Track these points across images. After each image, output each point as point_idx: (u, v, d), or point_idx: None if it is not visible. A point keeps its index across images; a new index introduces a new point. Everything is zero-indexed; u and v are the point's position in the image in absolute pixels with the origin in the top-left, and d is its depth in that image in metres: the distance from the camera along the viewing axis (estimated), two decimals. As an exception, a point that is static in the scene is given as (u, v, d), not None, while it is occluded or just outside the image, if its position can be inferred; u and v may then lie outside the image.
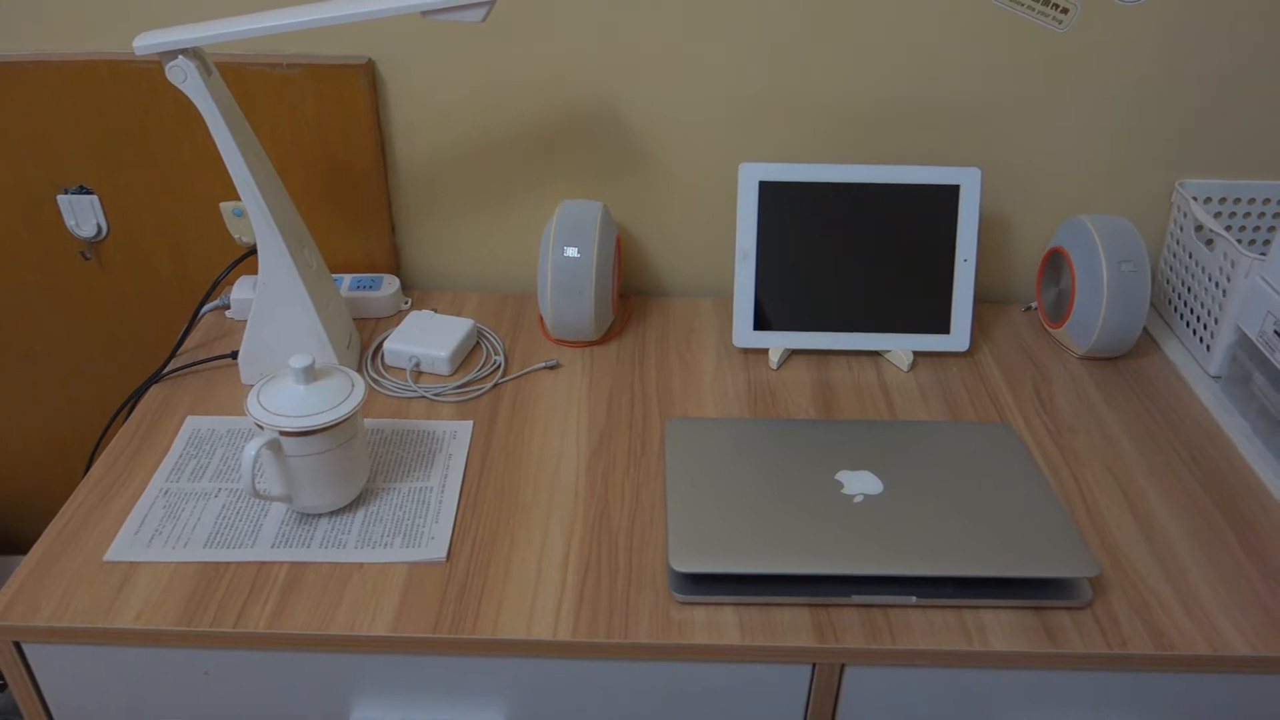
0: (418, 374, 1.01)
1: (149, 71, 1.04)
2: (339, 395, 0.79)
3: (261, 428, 0.77)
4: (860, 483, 0.83)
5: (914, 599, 0.75)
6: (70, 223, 1.13)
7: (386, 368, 1.02)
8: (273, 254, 0.91)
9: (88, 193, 1.11)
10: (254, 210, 0.89)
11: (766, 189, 1.02)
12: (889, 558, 0.76)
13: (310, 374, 0.78)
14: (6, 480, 1.33)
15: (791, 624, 0.74)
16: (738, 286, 1.03)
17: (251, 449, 0.75)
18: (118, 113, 1.06)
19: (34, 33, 1.04)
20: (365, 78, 1.04)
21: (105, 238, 1.14)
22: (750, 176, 1.02)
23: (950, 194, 1.02)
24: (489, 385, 0.99)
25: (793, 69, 1.05)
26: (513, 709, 0.78)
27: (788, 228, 1.02)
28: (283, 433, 0.76)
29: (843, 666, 0.75)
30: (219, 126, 0.85)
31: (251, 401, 0.78)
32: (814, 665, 0.75)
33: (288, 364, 0.79)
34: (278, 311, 0.94)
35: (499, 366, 1.02)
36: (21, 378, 1.24)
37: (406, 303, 1.13)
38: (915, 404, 0.98)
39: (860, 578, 0.76)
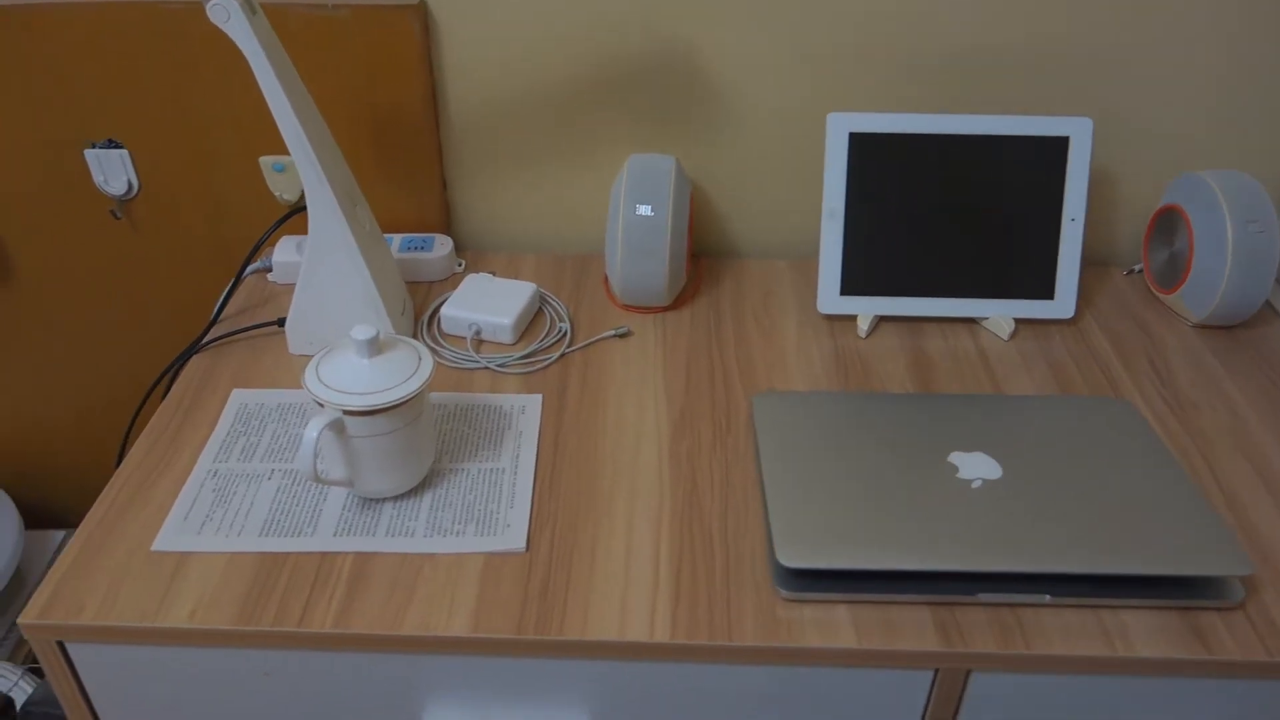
0: (479, 343, 0.93)
1: (182, 14, 0.95)
2: (406, 369, 0.71)
3: (322, 406, 0.69)
4: (976, 466, 0.76)
5: (1048, 598, 0.68)
6: (99, 179, 1.05)
7: (444, 336, 0.94)
8: (323, 213, 0.83)
9: (117, 147, 1.03)
10: (303, 165, 0.81)
11: (857, 141, 0.93)
12: (1018, 552, 0.68)
13: (374, 346, 0.71)
14: (35, 452, 1.26)
15: (912, 625, 0.67)
16: (824, 247, 0.95)
17: (313, 430, 0.68)
18: (149, 60, 0.98)
19: (57, -30, 0.96)
20: (417, 20, 0.95)
21: (136, 195, 1.06)
22: (839, 128, 0.93)
23: (1058, 146, 0.93)
24: (556, 355, 0.91)
25: (884, 10, 0.96)
26: (598, 712, 0.71)
27: (878, 184, 0.94)
28: (346, 412, 0.69)
29: (968, 672, 0.68)
30: (265, 71, 0.77)
31: (310, 377, 0.70)
32: (936, 671, 0.68)
33: (349, 336, 0.71)
34: (328, 275, 0.86)
35: (565, 334, 0.94)
36: (49, 344, 1.17)
37: (460, 265, 1.05)
38: (1019, 376, 0.90)
39: (986, 574, 0.69)
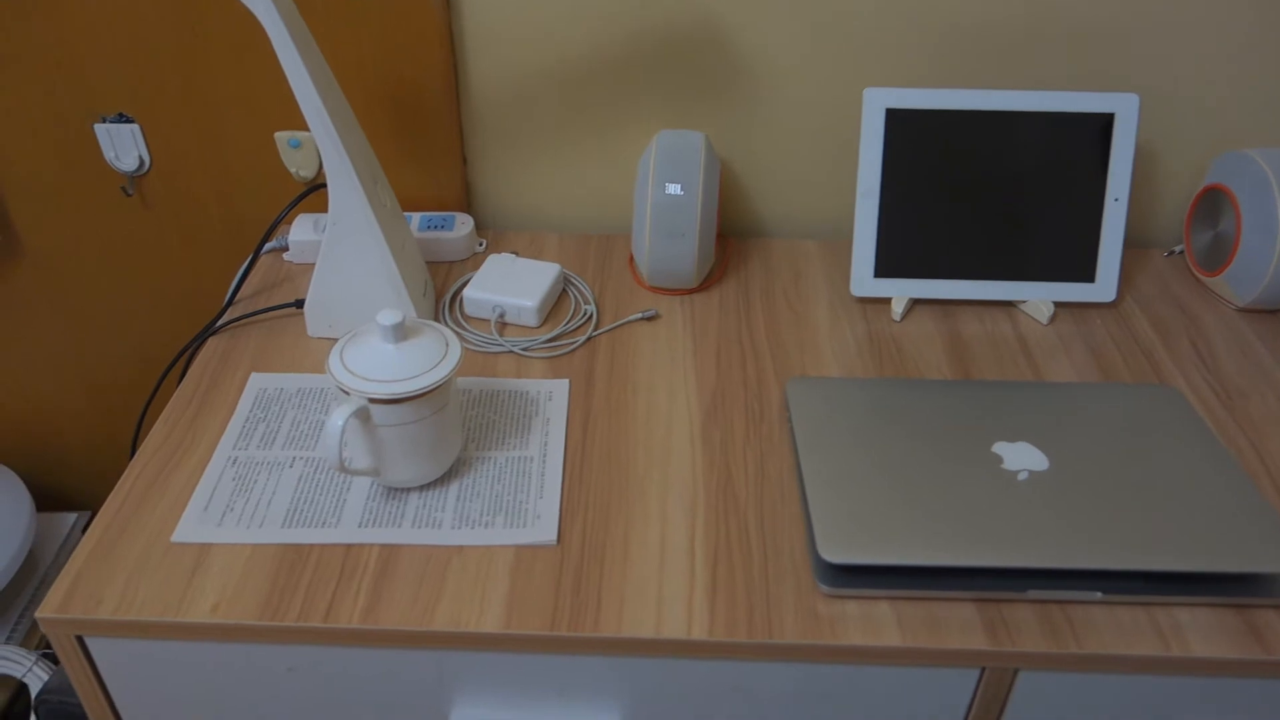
0: (502, 325, 0.90)
1: (194, -18, 0.92)
2: (433, 356, 0.69)
3: (347, 393, 0.67)
4: (1022, 456, 0.73)
5: (1099, 595, 0.65)
6: (109, 155, 1.02)
7: (467, 318, 0.91)
8: (344, 191, 0.80)
9: (128, 121, 1.00)
10: (324, 141, 0.78)
11: (894, 118, 0.90)
12: (1068, 548, 0.66)
13: (401, 332, 0.68)
14: (46, 434, 1.24)
15: (959, 622, 0.65)
16: (858, 228, 0.92)
17: (337, 419, 0.65)
18: (160, 30, 0.95)
19: (64, -62, 0.93)
20: (437, -11, 0.92)
21: (148, 171, 1.03)
22: (876, 103, 0.89)
23: (1102, 123, 0.90)
24: (582, 339, 0.89)
25: (922, -21, 0.93)
26: (631, 709, 0.69)
27: (915, 162, 0.91)
28: (372, 400, 0.67)
29: (1016, 671, 0.66)
30: (283, 41, 0.74)
31: (335, 363, 0.68)
32: (983, 670, 0.66)
33: (374, 321, 0.68)
34: (349, 256, 0.83)
35: (590, 317, 0.92)
36: (58, 324, 1.15)
37: (481, 244, 1.02)
38: (1060, 362, 0.88)
39: (1033, 570, 0.66)
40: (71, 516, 1.23)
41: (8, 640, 1.10)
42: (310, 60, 0.75)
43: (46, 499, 1.30)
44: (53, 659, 1.09)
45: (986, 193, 0.91)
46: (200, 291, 1.12)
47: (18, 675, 1.06)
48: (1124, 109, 0.89)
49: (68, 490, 1.30)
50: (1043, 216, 0.92)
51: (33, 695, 1.06)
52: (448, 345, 0.70)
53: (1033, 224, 0.92)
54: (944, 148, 0.90)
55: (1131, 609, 0.66)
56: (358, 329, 0.71)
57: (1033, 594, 0.65)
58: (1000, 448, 0.74)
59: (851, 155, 1.02)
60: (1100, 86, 0.98)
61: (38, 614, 0.64)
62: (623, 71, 0.98)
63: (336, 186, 0.80)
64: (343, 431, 0.65)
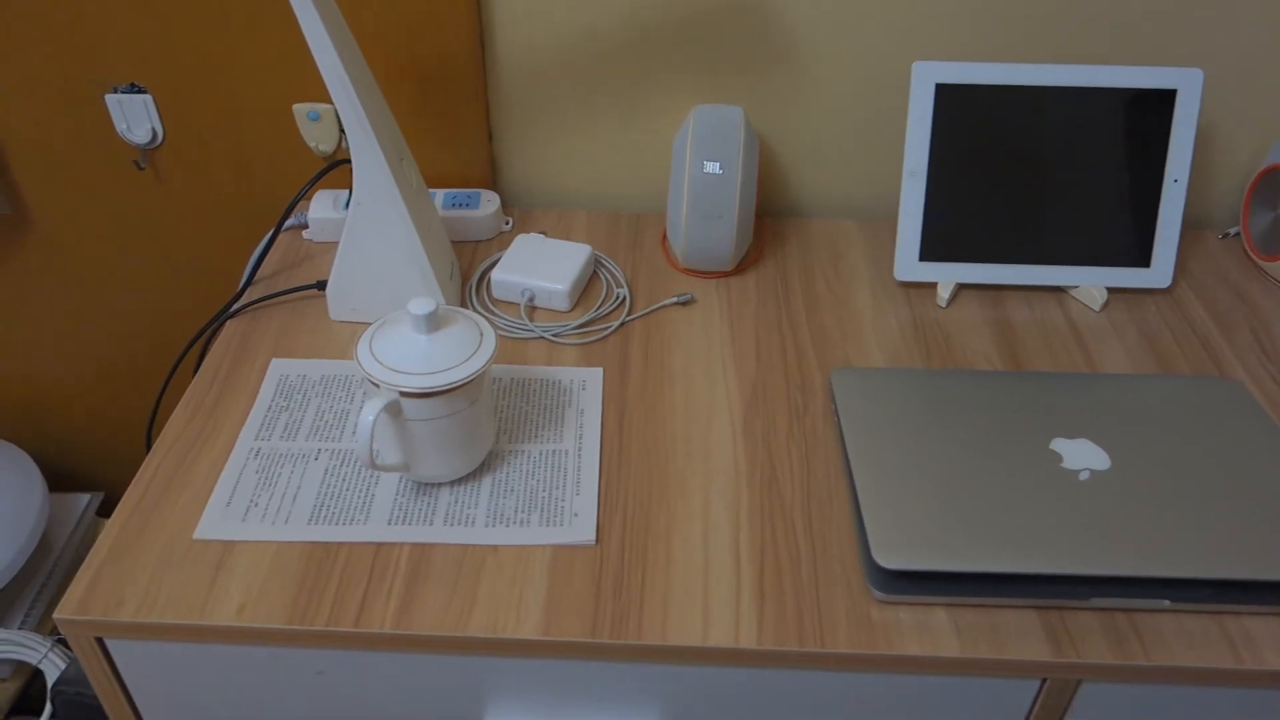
0: (531, 309, 0.87)
1: (209, -54, 0.88)
2: (467, 346, 0.65)
3: (377, 386, 0.64)
4: (1082, 455, 0.70)
5: (1167, 603, 0.62)
6: (121, 126, 0.98)
7: (495, 302, 0.88)
8: (370, 168, 0.77)
9: (140, 92, 0.96)
10: (349, 116, 0.74)
11: (944, 93, 0.85)
12: (1135, 554, 0.63)
13: (433, 321, 0.65)
14: (57, 413, 1.21)
15: (1019, 630, 0.62)
16: (903, 209, 0.88)
17: (369, 414, 0.62)
18: (173, -4, 0.91)
19: (72, -102, 0.88)
20: (464, -46, 0.88)
21: (161, 144, 1.00)
22: (925, 78, 0.85)
23: (1163, 100, 0.85)
24: (615, 324, 0.85)
25: (974, -54, 0.88)
26: (672, 717, 0.67)
27: (965, 140, 0.86)
28: (404, 393, 0.63)
29: (1079, 682, 0.63)
30: (305, 6, 0.69)
31: (364, 354, 0.64)
32: (1044, 680, 0.63)
33: (406, 310, 0.65)
34: (374, 237, 0.80)
35: (623, 301, 0.88)
36: (69, 301, 1.11)
37: (508, 224, 0.98)
38: (1114, 351, 0.84)
39: (1098, 577, 0.63)
40: (84, 498, 1.21)
41: (22, 625, 1.08)
42: (334, 30, 0.71)
43: (58, 479, 1.28)
44: (68, 645, 1.06)
45: (1038, 173, 0.87)
46: (214, 268, 1.08)
47: (33, 661, 1.04)
48: (1187, 84, 0.85)
49: (79, 471, 1.27)
50: (1096, 198, 0.87)
51: (48, 681, 1.04)
52: (482, 335, 0.67)
53: (1086, 206, 0.88)
54: (995, 125, 0.86)
55: (1200, 618, 0.63)
56: (387, 317, 0.67)
57: (1097, 602, 0.62)
58: (1059, 445, 0.70)
59: (894, 132, 0.98)
60: (1155, 60, 0.93)
61: (56, 615, 0.61)
62: (656, 43, 0.93)
63: (361, 164, 0.76)
64: (373, 427, 0.62)
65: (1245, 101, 0.95)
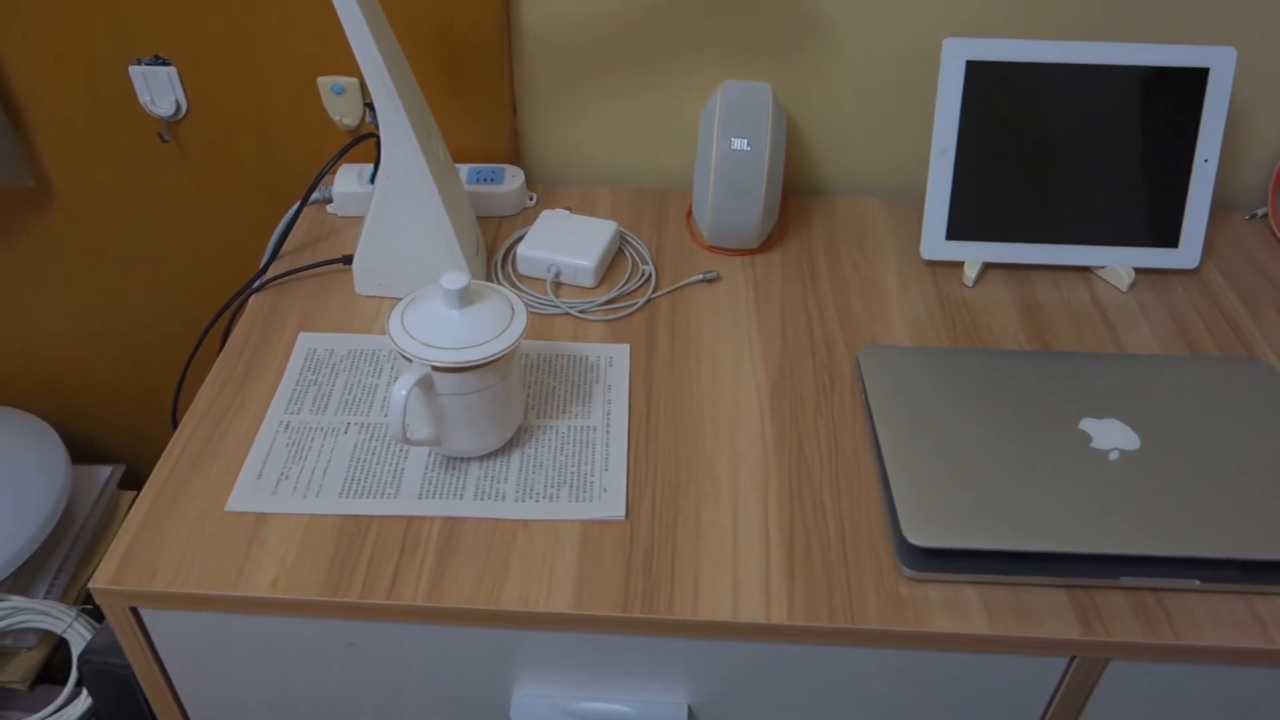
0: (557, 285, 0.87)
1: (234, -84, 0.87)
2: (499, 322, 0.65)
3: (409, 360, 0.64)
4: (1111, 434, 0.70)
5: (1197, 583, 0.62)
6: (145, 98, 0.98)
7: (520, 277, 0.88)
8: (398, 142, 0.76)
9: (164, 64, 0.96)
10: (378, 89, 0.74)
11: (974, 70, 0.85)
12: (1165, 533, 0.63)
13: (465, 296, 0.65)
14: (80, 385, 1.22)
15: (1048, 608, 0.62)
16: (931, 188, 0.87)
17: (402, 389, 0.62)
18: (198, -33, 0.90)
19: None
20: (491, -73, 0.87)
21: (185, 117, 0.99)
22: (956, 55, 0.84)
23: (1194, 79, 0.85)
24: (641, 300, 0.85)
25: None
26: (699, 691, 0.67)
27: (994, 119, 0.86)
28: (436, 368, 0.63)
29: (1107, 661, 0.63)
30: (337, -16, 0.69)
31: (396, 328, 0.65)
32: (1072, 659, 0.63)
33: (438, 284, 0.65)
34: (401, 212, 0.79)
35: (649, 278, 0.88)
36: (92, 273, 1.11)
37: (532, 199, 0.98)
38: (1142, 333, 0.84)
39: (1129, 557, 0.63)
40: (106, 470, 1.21)
41: (46, 594, 1.09)
42: (365, 3, 0.71)
43: (80, 451, 1.28)
44: (93, 615, 1.07)
45: (1067, 152, 0.86)
46: (237, 241, 1.08)
47: (58, 631, 1.05)
48: (1220, 63, 0.84)
49: (101, 443, 1.28)
50: (1126, 177, 0.87)
51: (73, 651, 1.05)
52: (513, 310, 0.67)
53: (1114, 186, 0.87)
54: (1024, 103, 0.85)
55: (1229, 598, 0.63)
56: (418, 291, 0.67)
57: (1126, 581, 0.62)
58: (1088, 424, 0.70)
59: (921, 110, 0.97)
60: (1184, 38, 0.92)
61: (91, 584, 0.62)
62: (683, 18, 0.93)
63: (390, 139, 0.76)
64: (406, 401, 0.62)
65: (1273, 81, 0.94)
